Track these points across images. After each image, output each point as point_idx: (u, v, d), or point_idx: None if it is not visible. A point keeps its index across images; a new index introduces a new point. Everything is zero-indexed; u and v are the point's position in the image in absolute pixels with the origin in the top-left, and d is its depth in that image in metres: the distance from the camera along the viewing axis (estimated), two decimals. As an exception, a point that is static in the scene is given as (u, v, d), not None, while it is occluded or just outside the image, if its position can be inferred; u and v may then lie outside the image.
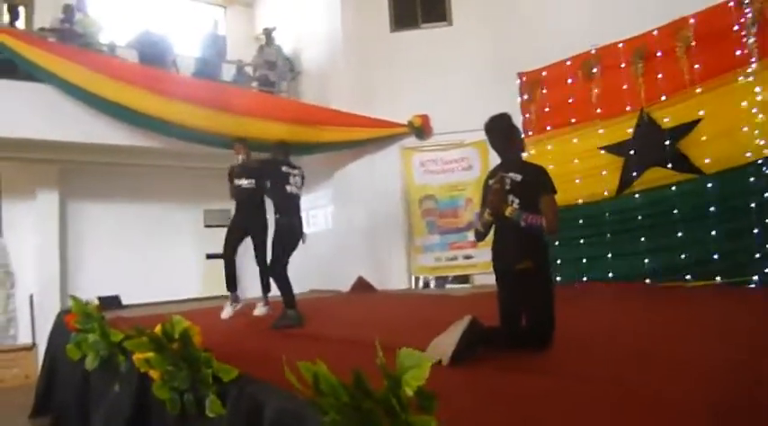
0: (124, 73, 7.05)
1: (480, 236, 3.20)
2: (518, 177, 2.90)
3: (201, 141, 7.26)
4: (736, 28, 5.28)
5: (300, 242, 4.69)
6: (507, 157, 3.06)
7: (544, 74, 6.87)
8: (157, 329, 2.76)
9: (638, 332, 3.37)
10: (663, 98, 5.79)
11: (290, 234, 4.63)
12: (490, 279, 7.40)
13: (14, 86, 6.78)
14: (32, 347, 7.61)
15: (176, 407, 2.73)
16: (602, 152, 6.27)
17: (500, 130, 3.11)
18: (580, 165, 6.48)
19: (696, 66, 5.55)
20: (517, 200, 2.89)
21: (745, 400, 1.79)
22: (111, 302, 7.05)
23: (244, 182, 5.37)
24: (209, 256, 8.97)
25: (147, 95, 6.97)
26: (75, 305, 4.60)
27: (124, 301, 7.48)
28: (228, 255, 5.41)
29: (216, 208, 9.01)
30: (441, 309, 5.18)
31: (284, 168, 4.77)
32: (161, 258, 8.60)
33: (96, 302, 4.59)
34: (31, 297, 7.86)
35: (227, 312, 5.28)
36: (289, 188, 4.71)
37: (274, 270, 4.55)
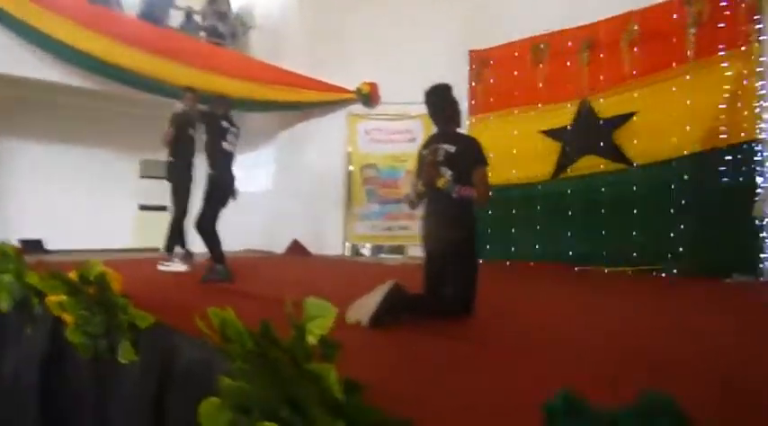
0: (65, 6, 6.65)
1: (413, 206, 3.27)
2: (452, 148, 2.94)
3: (142, 86, 6.98)
4: (677, 26, 5.47)
5: (231, 198, 4.62)
6: (443, 128, 3.11)
7: (494, 53, 6.93)
8: (72, 274, 2.68)
9: (551, 310, 3.53)
10: (603, 89, 5.96)
11: (223, 189, 4.56)
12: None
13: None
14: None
15: (89, 352, 2.67)
16: (542, 136, 6.42)
17: (440, 100, 3.15)
18: (519, 147, 6.61)
19: (637, 60, 5.73)
20: (450, 172, 2.93)
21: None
22: (33, 246, 6.77)
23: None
24: (143, 207, 8.71)
25: (87, 33, 6.59)
26: (-7, 244, 4.39)
27: (50, 246, 7.19)
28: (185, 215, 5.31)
29: (153, 159, 8.70)
30: (371, 276, 5.23)
31: (223, 123, 4.65)
32: (92, 205, 8.26)
33: (14, 243, 4.40)
34: (-54, 234, 7.43)
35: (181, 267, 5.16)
36: (225, 144, 4.61)
37: (202, 225, 4.46)
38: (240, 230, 8.53)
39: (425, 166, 2.97)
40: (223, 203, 4.53)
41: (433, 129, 3.25)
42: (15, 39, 6.38)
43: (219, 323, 1.48)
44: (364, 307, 2.65)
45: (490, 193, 2.98)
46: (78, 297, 2.64)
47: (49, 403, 3.06)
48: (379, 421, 1.26)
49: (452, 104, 3.15)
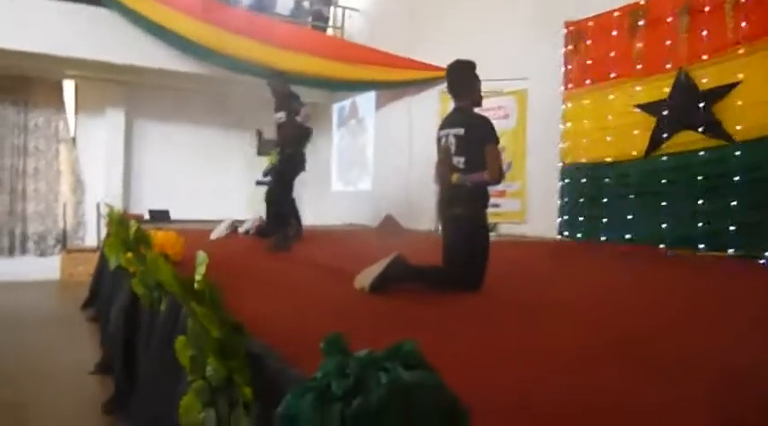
0: (184, 4, 7.52)
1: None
2: (461, 131, 3.07)
3: (251, 72, 7.68)
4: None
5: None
6: (458, 104, 3.24)
7: (590, 24, 6.64)
8: (132, 232, 3.25)
9: (576, 289, 3.51)
10: (704, 57, 5.52)
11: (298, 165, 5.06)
12: (517, 229, 7.54)
13: (91, 12, 7.43)
14: (97, 249, 8.60)
15: (147, 301, 3.23)
16: (637, 110, 6.10)
17: (460, 76, 3.28)
18: (614, 122, 6.34)
19: (743, 24, 5.24)
20: (463, 159, 3.07)
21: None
22: (160, 215, 7.83)
23: None
24: (259, 183, 9.56)
25: (203, 26, 7.44)
26: (109, 212, 5.26)
27: (174, 216, 8.24)
28: None
29: (269, 138, 9.48)
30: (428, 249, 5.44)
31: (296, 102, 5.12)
32: (214, 180, 9.29)
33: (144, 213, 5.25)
34: (98, 204, 8.81)
35: None
36: (299, 120, 5.07)
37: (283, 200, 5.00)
38: (346, 206, 9.13)
39: (438, 165, 3.16)
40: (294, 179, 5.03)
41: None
42: (140, 33, 7.35)
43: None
44: (368, 275, 2.92)
45: (504, 170, 3.08)
46: (136, 255, 3.19)
47: (128, 341, 3.71)
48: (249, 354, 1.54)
49: (472, 82, 3.27)
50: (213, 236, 5.59)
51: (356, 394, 1.03)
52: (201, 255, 1.55)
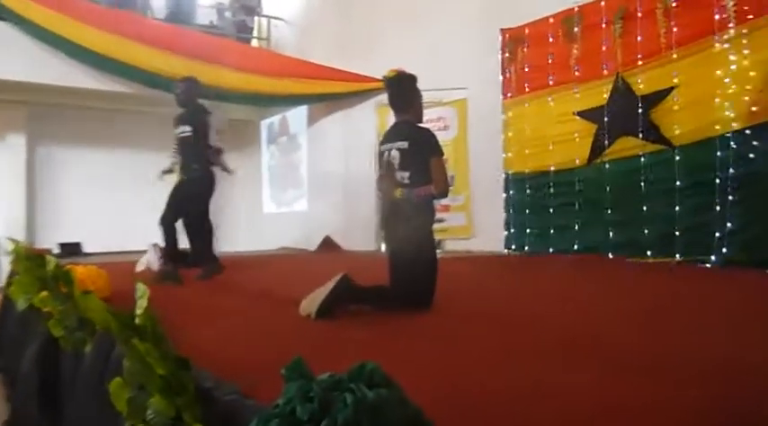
0: (90, 15, 7.37)
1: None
2: (405, 144, 3.18)
3: (163, 86, 7.58)
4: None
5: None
6: (401, 118, 3.35)
7: (527, 31, 6.98)
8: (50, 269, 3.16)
9: (523, 301, 3.67)
10: (639, 62, 5.91)
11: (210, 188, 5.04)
12: (463, 245, 7.67)
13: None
14: (-2, 289, 8.19)
15: (69, 343, 3.14)
16: (577, 117, 6.43)
17: (402, 90, 3.40)
18: (555, 130, 6.66)
19: (674, 29, 5.63)
20: (407, 173, 3.18)
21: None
22: (72, 249, 7.56)
23: None
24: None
25: (114, 39, 7.30)
26: (14, 248, 5.05)
27: (88, 248, 7.97)
28: None
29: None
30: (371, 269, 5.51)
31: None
32: (129, 207, 9.01)
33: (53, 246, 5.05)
34: (-2, 239, 8.41)
35: None
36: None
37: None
38: (280, 228, 9.09)
39: (382, 181, 3.26)
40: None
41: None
42: (43, 48, 7.14)
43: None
44: (314, 300, 2.96)
45: (449, 185, 3.22)
46: (54, 293, 3.11)
47: (45, 389, 3.57)
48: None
49: (414, 95, 3.39)
50: (138, 269, 5.46)
51: (322, 418, 1.09)
52: (142, 288, 1.56)
